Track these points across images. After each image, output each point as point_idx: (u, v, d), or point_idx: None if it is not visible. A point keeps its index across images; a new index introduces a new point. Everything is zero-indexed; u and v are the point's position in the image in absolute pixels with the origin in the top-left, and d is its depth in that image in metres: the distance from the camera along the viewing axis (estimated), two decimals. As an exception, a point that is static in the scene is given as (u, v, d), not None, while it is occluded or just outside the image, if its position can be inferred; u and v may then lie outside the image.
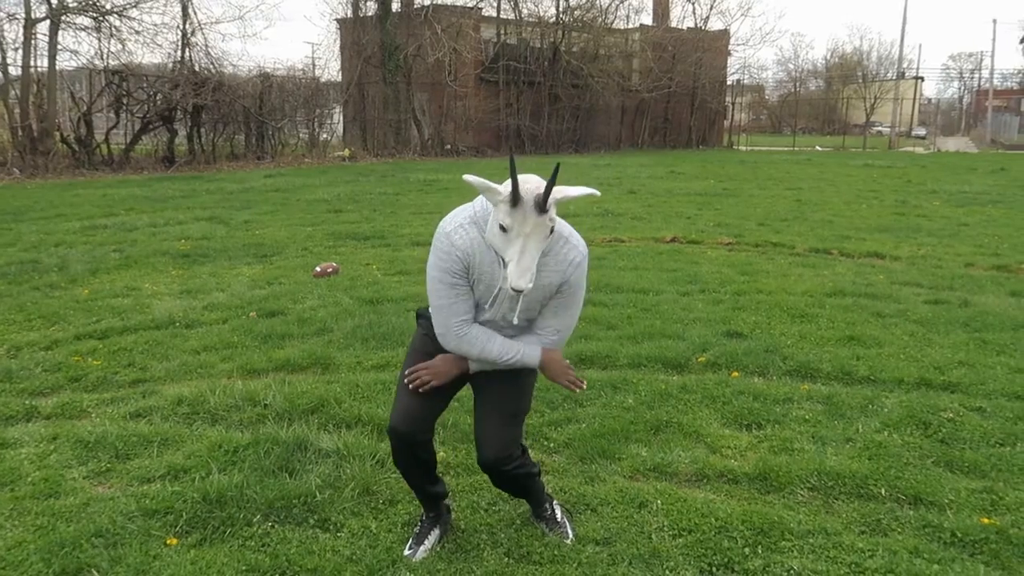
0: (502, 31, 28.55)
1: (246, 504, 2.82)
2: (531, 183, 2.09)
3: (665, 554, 2.56)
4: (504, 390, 2.43)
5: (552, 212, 2.10)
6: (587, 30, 29.20)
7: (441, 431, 3.48)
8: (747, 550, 2.59)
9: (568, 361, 2.43)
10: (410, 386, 2.39)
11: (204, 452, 3.23)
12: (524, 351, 2.33)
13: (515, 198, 2.05)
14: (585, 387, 2.45)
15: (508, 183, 2.07)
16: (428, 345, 2.44)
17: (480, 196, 2.23)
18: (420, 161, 23.08)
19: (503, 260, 2.17)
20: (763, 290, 6.20)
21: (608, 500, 2.90)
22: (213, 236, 8.92)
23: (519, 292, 2.09)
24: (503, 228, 2.09)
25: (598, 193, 2.30)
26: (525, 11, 28.66)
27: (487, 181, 2.10)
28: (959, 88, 73.33)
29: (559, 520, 2.71)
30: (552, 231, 2.13)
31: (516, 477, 2.51)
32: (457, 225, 2.24)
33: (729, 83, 38.46)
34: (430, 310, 2.35)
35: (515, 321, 2.33)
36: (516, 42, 28.61)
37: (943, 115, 66.05)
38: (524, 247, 2.07)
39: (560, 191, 2.13)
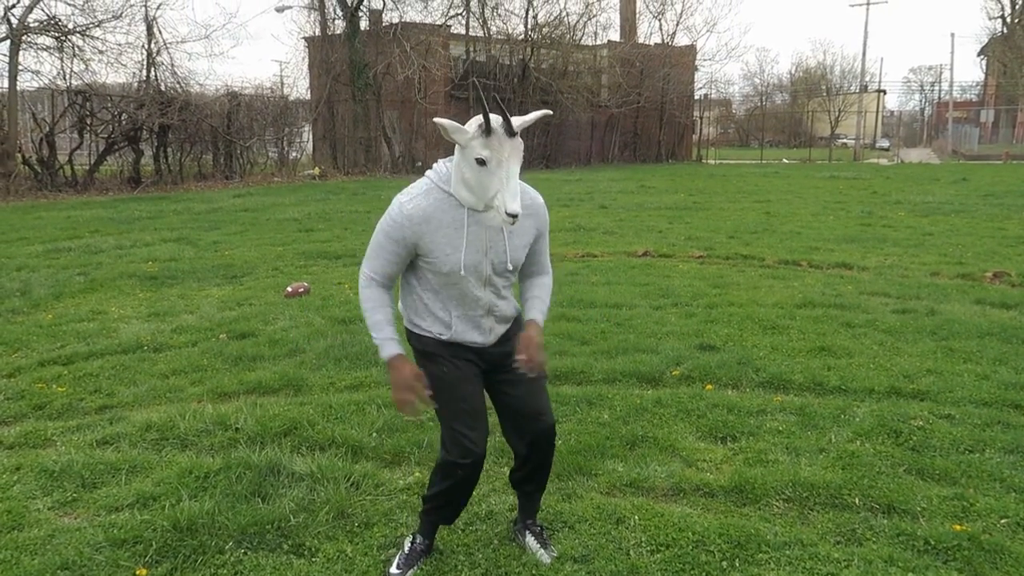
0: (471, 48, 28.68)
1: (218, 531, 2.77)
2: (493, 116, 2.23)
3: (643, 570, 2.56)
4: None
5: (518, 137, 2.22)
6: (556, 47, 29.44)
7: (417, 451, 3.45)
8: (724, 564, 2.60)
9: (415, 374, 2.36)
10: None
11: (174, 478, 3.17)
12: (386, 336, 2.35)
13: (488, 127, 2.15)
14: (429, 405, 2.39)
15: (473, 121, 2.19)
16: (454, 365, 2.43)
17: (433, 167, 2.35)
18: (391, 179, 23.01)
19: (485, 201, 2.23)
20: (734, 302, 6.25)
21: (585, 517, 2.89)
22: (181, 257, 8.80)
23: (514, 217, 2.17)
24: (481, 162, 2.17)
25: (551, 112, 2.48)
26: (494, 28, 28.89)
27: (456, 123, 2.20)
28: (920, 100, 75.01)
29: (546, 539, 2.70)
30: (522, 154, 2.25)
31: (552, 451, 2.62)
32: (412, 196, 2.33)
33: (697, 97, 38.93)
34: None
35: (508, 265, 2.36)
36: (485, 59, 28.75)
37: (905, 127, 67.39)
38: (507, 172, 2.17)
39: (518, 118, 2.27)
